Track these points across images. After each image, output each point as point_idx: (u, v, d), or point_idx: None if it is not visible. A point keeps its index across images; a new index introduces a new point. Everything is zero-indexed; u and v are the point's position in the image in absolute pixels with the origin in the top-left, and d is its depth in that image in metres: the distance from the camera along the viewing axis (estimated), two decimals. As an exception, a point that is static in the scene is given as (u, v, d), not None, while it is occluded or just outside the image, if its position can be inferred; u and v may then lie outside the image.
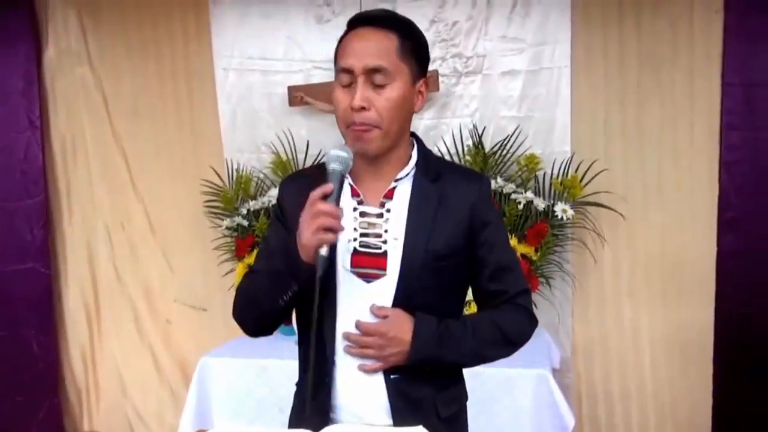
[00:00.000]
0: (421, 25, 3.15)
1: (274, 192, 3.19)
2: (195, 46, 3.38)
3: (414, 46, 1.42)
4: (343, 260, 1.42)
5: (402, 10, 3.13)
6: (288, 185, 1.55)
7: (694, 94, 3.02)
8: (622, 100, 3.08)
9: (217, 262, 3.31)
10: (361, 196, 1.45)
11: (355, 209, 1.44)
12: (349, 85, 1.39)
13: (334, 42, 3.36)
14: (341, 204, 1.36)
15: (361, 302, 1.41)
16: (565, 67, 3.11)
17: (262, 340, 2.94)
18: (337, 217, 1.30)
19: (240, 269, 3.14)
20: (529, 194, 3.00)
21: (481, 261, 1.47)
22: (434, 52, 3.16)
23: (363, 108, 1.37)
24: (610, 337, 3.15)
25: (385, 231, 1.42)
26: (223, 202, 3.28)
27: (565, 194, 3.02)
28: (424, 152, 1.50)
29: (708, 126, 3.00)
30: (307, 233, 1.29)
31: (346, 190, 1.44)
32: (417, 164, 1.47)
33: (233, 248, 3.26)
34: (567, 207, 2.98)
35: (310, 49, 3.32)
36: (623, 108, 3.08)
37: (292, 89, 3.29)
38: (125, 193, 3.48)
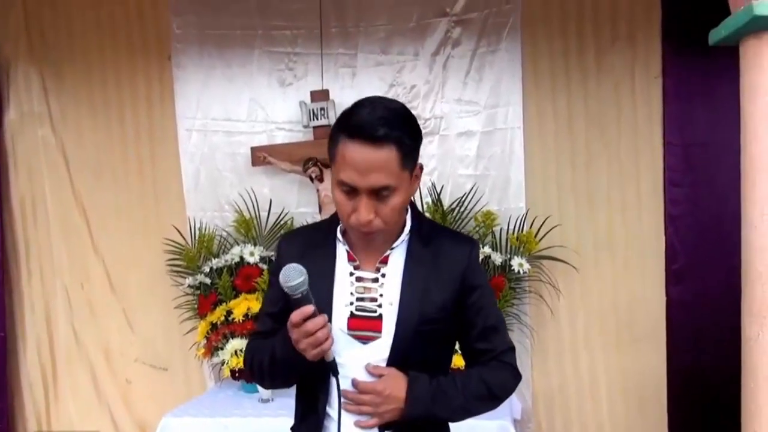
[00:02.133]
0: (381, 88, 3.35)
1: (237, 250, 3.22)
2: (158, 107, 3.44)
3: (412, 147, 1.42)
4: (340, 323, 1.48)
5: (362, 75, 3.36)
6: (287, 244, 1.60)
7: (638, 152, 3.20)
8: (572, 159, 3.24)
9: (179, 320, 3.30)
10: (358, 261, 1.51)
11: (351, 274, 1.50)
12: (351, 193, 1.40)
13: (296, 104, 3.48)
14: (337, 268, 1.48)
15: (356, 362, 1.47)
16: (518, 128, 3.26)
17: (224, 399, 2.98)
18: (324, 325, 1.38)
19: (202, 327, 3.14)
20: (487, 249, 3.10)
21: (469, 322, 1.54)
22: (393, 114, 3.31)
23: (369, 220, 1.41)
24: (568, 386, 3.24)
25: (381, 295, 1.48)
26: (185, 261, 3.29)
27: (521, 249, 3.13)
28: (418, 218, 1.56)
29: (652, 182, 3.17)
30: (308, 353, 1.39)
31: (343, 255, 1.51)
32: (411, 230, 1.52)
33: (195, 306, 3.26)
34: (523, 261, 3.09)
35: (273, 111, 3.41)
36: (573, 166, 3.24)
37: (255, 149, 3.36)
38: (85, 252, 3.47)
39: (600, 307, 3.22)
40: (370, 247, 1.51)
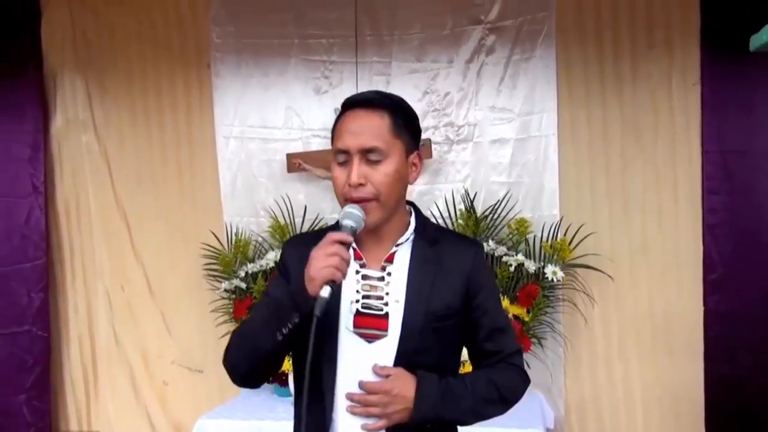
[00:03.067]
0: (415, 96, 3.38)
1: (272, 255, 3.28)
2: (197, 115, 3.51)
3: (405, 123, 1.51)
4: (346, 321, 1.47)
5: (396, 83, 3.39)
6: (291, 249, 1.60)
7: (675, 160, 3.16)
8: (606, 166, 3.22)
9: (215, 324, 3.35)
10: (364, 260, 1.52)
11: (357, 272, 1.51)
12: (346, 163, 1.47)
13: (331, 112, 3.55)
14: None
15: (362, 362, 1.46)
16: (552, 135, 3.25)
17: (258, 402, 3.01)
18: (348, 262, 1.37)
19: (238, 331, 3.19)
20: (520, 257, 3.09)
21: (476, 323, 1.54)
22: (427, 122, 3.33)
23: (360, 184, 1.44)
24: (602, 396, 3.20)
25: (387, 293, 1.49)
26: (221, 265, 3.35)
27: (555, 256, 3.12)
28: (422, 219, 1.58)
29: (690, 190, 3.13)
30: (319, 266, 1.34)
31: (350, 254, 1.51)
32: (416, 230, 1.55)
33: (231, 310, 3.31)
34: (557, 269, 3.07)
35: (308, 118, 3.46)
36: (608, 173, 3.21)
37: (290, 156, 3.41)
38: (125, 256, 3.55)
39: (635, 317, 3.18)
40: (376, 244, 1.52)
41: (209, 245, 3.39)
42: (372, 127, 1.46)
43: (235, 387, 3.42)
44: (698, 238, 3.10)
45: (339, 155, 1.48)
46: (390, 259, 1.52)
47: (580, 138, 3.24)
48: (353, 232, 1.42)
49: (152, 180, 3.54)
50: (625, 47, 3.19)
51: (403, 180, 1.50)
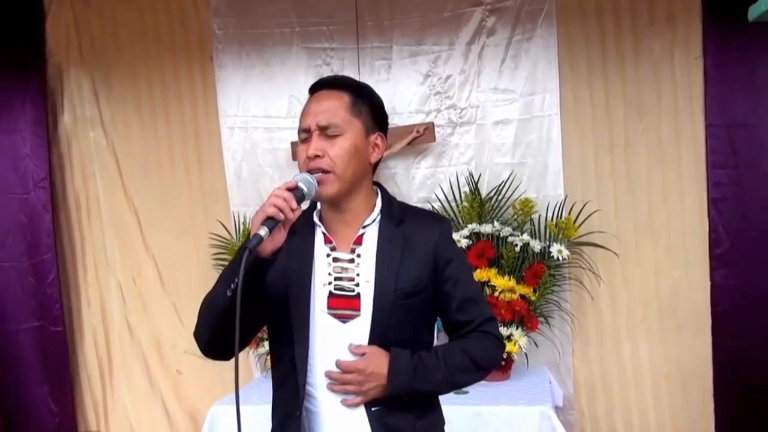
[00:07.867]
0: (416, 79, 3.37)
1: (279, 243, 3.30)
2: (202, 107, 3.55)
3: (366, 104, 1.58)
4: (321, 303, 1.53)
5: (398, 67, 3.39)
6: None
7: (679, 135, 3.15)
8: (610, 144, 3.21)
9: (225, 312, 3.39)
10: (334, 243, 1.58)
11: (328, 255, 1.57)
12: (307, 140, 1.54)
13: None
14: (315, 250, 1.54)
15: (338, 341, 1.53)
16: (554, 115, 3.24)
17: (268, 388, 3.02)
18: (290, 201, 1.39)
19: (248, 319, 3.23)
20: (526, 236, 3.09)
21: (447, 295, 1.59)
22: (429, 105, 3.35)
23: (317, 156, 1.51)
24: (610, 373, 3.21)
25: (357, 274, 1.55)
26: (230, 254, 3.39)
27: (560, 235, 3.12)
28: (388, 199, 1.64)
29: (694, 165, 3.11)
30: (262, 208, 1.39)
31: (320, 239, 1.59)
32: (382, 211, 1.60)
33: (241, 298, 3.35)
34: (562, 247, 3.07)
35: (312, 106, 3.47)
36: (612, 151, 3.21)
37: (294, 144, 3.43)
38: (136, 248, 3.60)
39: (642, 293, 3.18)
40: (344, 227, 1.58)
41: (218, 235, 3.43)
42: (330, 106, 1.54)
43: (247, 374, 3.50)
44: (704, 213, 3.09)
45: (301, 134, 1.57)
46: (359, 242, 1.57)
47: (583, 116, 3.24)
48: (301, 189, 1.45)
49: (160, 173, 3.58)
50: (626, 23, 3.17)
51: (361, 156, 1.56)
